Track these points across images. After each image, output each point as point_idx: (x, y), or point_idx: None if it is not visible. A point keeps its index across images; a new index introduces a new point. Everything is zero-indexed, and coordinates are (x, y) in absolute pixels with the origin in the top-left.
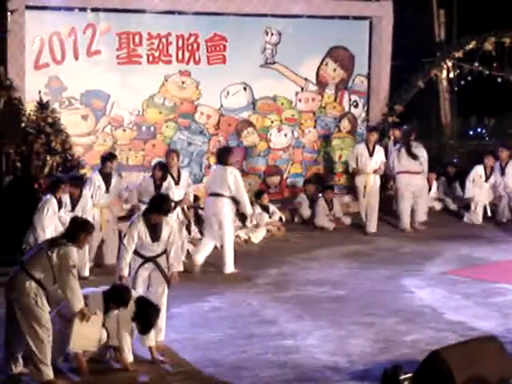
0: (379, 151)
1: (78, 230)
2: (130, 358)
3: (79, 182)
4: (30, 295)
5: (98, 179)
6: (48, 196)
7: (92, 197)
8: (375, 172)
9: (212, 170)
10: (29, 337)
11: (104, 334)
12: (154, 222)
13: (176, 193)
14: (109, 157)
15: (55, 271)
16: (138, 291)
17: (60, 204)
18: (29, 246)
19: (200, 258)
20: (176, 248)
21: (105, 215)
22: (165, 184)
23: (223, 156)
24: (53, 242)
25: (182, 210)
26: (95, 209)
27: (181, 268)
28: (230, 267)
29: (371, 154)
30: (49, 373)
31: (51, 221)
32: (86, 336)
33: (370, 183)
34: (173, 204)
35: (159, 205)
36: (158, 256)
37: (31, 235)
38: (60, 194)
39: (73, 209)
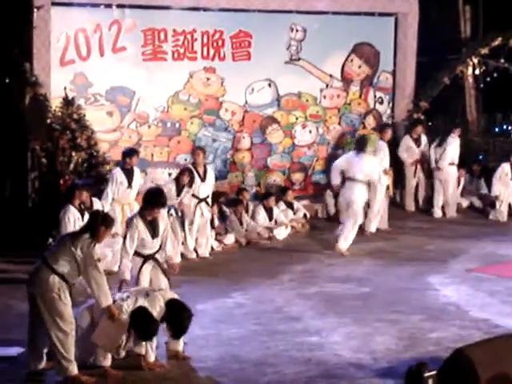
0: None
1: (98, 223)
2: (152, 356)
3: (90, 189)
4: (54, 290)
5: (119, 175)
6: (66, 207)
7: (114, 193)
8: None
9: (349, 157)
10: (52, 332)
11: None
12: (151, 217)
13: (202, 189)
14: (130, 152)
15: (80, 266)
16: (143, 286)
17: (82, 211)
18: None
19: (345, 245)
20: (171, 239)
21: (126, 212)
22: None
23: (361, 144)
24: (74, 237)
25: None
26: (116, 205)
27: (178, 259)
28: (342, 245)
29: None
30: (72, 368)
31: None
32: (110, 335)
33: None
34: (197, 201)
35: (155, 198)
36: (156, 252)
37: None
38: (78, 200)
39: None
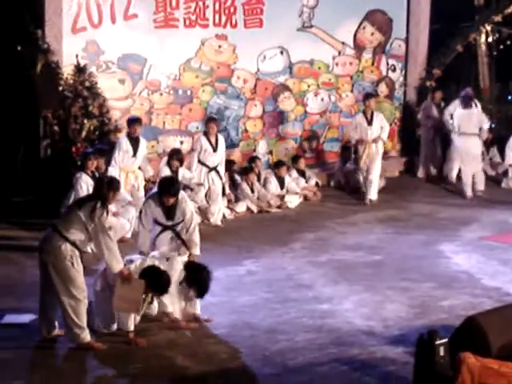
0: (377, 118)
1: (105, 188)
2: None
3: (104, 154)
4: (67, 258)
5: (126, 143)
6: (78, 174)
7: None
8: (374, 141)
9: (461, 113)
10: (65, 300)
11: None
12: (167, 204)
13: (212, 159)
14: (136, 120)
15: (90, 232)
16: (163, 250)
17: (95, 178)
18: None
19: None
20: (192, 231)
21: (130, 179)
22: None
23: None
24: (82, 203)
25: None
26: (122, 172)
27: (198, 252)
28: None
29: (370, 123)
30: (85, 335)
31: None
32: (129, 300)
33: (372, 151)
34: (207, 170)
35: (167, 188)
36: (176, 225)
37: None
38: (90, 168)
39: None
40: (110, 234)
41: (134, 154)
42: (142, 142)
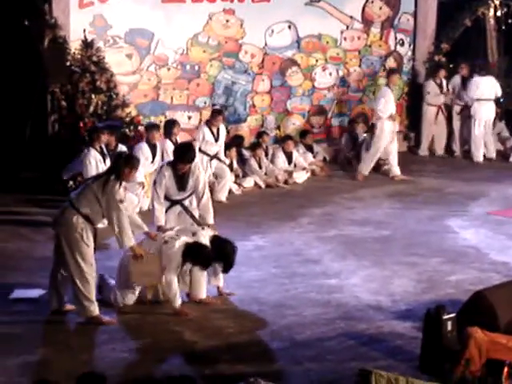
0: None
1: (123, 164)
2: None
3: (116, 130)
4: (77, 230)
5: (146, 150)
6: (86, 150)
7: None
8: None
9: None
10: (74, 273)
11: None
12: (180, 171)
13: (214, 148)
14: (154, 126)
15: (103, 206)
16: (171, 225)
17: (103, 154)
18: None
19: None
20: (205, 202)
21: (149, 181)
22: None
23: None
24: (98, 178)
25: (225, 150)
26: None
27: (212, 221)
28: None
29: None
30: (93, 309)
31: (98, 172)
32: (146, 273)
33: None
34: (208, 158)
35: (183, 153)
36: (185, 199)
37: None
38: (99, 143)
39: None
40: (121, 209)
41: (153, 161)
42: (159, 148)
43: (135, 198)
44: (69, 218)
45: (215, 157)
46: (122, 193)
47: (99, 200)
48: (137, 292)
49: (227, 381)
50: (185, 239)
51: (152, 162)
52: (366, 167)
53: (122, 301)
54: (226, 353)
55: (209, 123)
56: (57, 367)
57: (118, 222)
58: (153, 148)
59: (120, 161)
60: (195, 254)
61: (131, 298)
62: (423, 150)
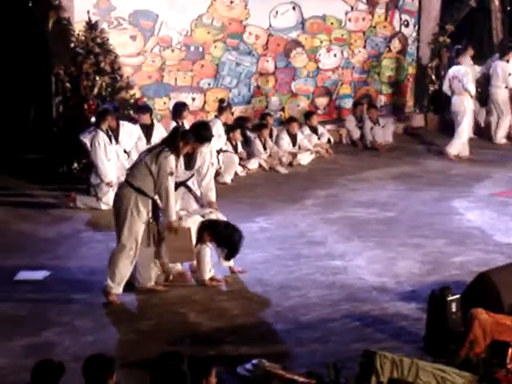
0: None
1: (178, 138)
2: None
3: (117, 113)
4: (129, 203)
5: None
6: (94, 131)
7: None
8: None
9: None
10: (119, 245)
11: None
12: (192, 150)
13: (221, 142)
14: (145, 107)
15: (154, 177)
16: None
17: (109, 136)
18: (93, 186)
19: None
20: (208, 181)
21: None
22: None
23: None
24: (151, 151)
25: (229, 133)
26: None
27: (213, 198)
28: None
29: None
30: (118, 290)
31: (106, 154)
32: (181, 249)
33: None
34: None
35: (202, 133)
36: (188, 179)
37: (93, 174)
38: (106, 125)
39: (116, 140)
40: (170, 180)
41: (148, 142)
42: (156, 129)
43: None
44: (121, 191)
45: (221, 150)
46: (173, 166)
47: (152, 172)
48: (154, 272)
49: (232, 362)
50: (198, 217)
51: (148, 143)
52: (454, 147)
53: (143, 281)
54: (230, 334)
55: (217, 116)
56: (62, 349)
57: (166, 194)
58: (147, 129)
59: (177, 134)
60: (212, 230)
61: (152, 278)
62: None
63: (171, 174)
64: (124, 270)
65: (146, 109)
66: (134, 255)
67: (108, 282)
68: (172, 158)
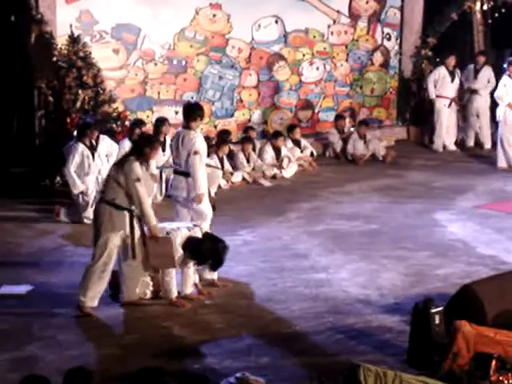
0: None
1: (143, 145)
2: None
3: (98, 126)
4: (101, 217)
5: (128, 147)
6: (74, 144)
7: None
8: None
9: None
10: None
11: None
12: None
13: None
14: (137, 123)
15: (124, 188)
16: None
17: (92, 150)
18: (75, 200)
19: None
20: (192, 174)
21: None
22: None
23: None
24: (118, 162)
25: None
26: None
27: (201, 191)
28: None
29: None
30: (93, 303)
31: (82, 167)
32: (163, 255)
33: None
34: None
35: (192, 111)
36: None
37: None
38: (90, 138)
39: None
40: (138, 187)
41: None
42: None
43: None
44: (96, 208)
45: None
46: (139, 172)
47: (120, 183)
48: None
49: (216, 375)
50: (186, 232)
51: None
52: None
53: (129, 295)
54: (214, 348)
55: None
56: (45, 363)
57: (138, 201)
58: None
59: (141, 141)
60: (194, 248)
61: (138, 292)
62: (437, 145)
63: (138, 180)
64: (97, 285)
65: (142, 123)
66: (108, 270)
67: (80, 298)
68: (136, 164)
